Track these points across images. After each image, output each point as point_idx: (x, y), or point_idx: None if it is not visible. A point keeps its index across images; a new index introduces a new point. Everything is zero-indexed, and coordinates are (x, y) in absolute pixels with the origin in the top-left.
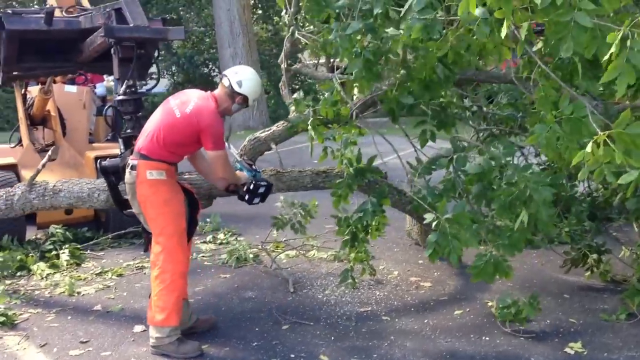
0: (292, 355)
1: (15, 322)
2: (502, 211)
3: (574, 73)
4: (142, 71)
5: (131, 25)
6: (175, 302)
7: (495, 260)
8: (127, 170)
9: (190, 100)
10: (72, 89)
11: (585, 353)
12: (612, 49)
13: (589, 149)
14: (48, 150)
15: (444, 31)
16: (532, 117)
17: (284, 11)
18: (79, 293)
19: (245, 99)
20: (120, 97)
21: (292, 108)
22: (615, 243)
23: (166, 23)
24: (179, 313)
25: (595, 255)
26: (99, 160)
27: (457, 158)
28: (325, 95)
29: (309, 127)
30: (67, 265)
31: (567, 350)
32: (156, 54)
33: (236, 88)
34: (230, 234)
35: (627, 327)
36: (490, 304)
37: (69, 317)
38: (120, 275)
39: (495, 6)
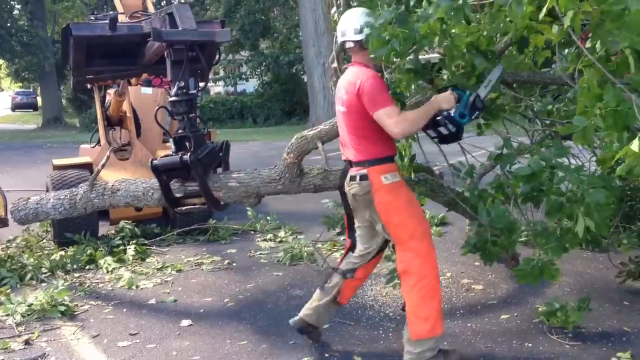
0: (327, 355)
1: (75, 312)
2: (553, 212)
3: (620, 66)
4: (202, 72)
5: (180, 28)
6: (438, 308)
7: (542, 264)
8: (352, 183)
9: (341, 87)
10: (148, 90)
11: None
12: None
13: (634, 146)
14: (125, 150)
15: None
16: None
17: (334, 9)
18: (137, 287)
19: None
20: (173, 98)
21: None
22: None
23: (225, 25)
24: (443, 320)
25: None
26: (150, 160)
27: (505, 155)
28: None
29: None
30: (132, 260)
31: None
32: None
33: (359, 37)
34: (291, 232)
35: None
36: (540, 309)
37: (124, 310)
38: (179, 270)
39: None
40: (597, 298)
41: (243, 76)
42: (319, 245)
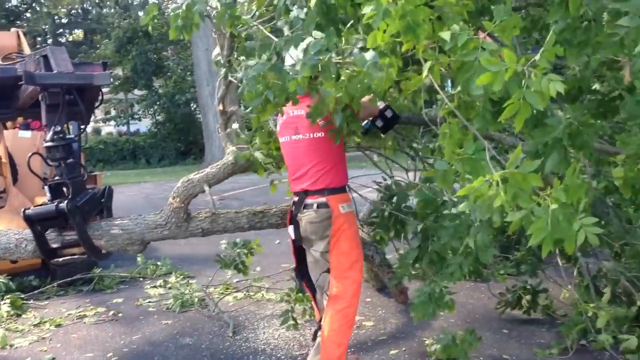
0: None
1: None
2: (448, 240)
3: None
4: (85, 116)
5: (55, 71)
6: (348, 340)
7: (436, 293)
8: (308, 211)
9: (303, 116)
10: (27, 134)
11: None
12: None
13: (476, 184)
14: (0, 197)
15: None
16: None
17: (216, 51)
18: (11, 346)
19: None
20: (48, 144)
21: (227, 150)
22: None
23: (106, 68)
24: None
25: (529, 297)
26: (23, 209)
27: (399, 195)
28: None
29: (255, 158)
30: (6, 316)
31: None
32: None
33: None
34: (182, 277)
35: None
36: (427, 342)
37: None
38: (59, 325)
39: (403, 39)
40: (479, 328)
41: (135, 115)
42: (212, 289)
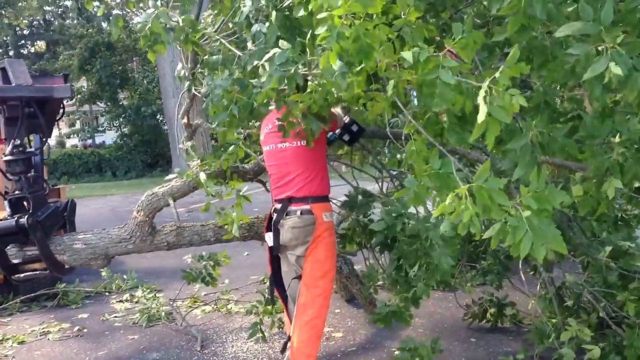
0: None
1: None
2: (404, 261)
3: (444, 129)
4: (46, 128)
5: (13, 84)
6: (317, 351)
7: (397, 309)
8: (291, 217)
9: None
10: None
11: None
12: (480, 107)
13: (448, 201)
14: None
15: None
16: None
17: (180, 67)
18: None
19: None
20: (8, 158)
21: (192, 164)
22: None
23: (67, 80)
24: None
25: (494, 309)
26: None
27: (360, 204)
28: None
29: (200, 178)
30: None
31: None
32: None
33: None
34: (149, 290)
35: None
36: (397, 352)
37: None
38: (22, 342)
39: (356, 59)
40: (447, 337)
41: (100, 128)
42: (179, 303)
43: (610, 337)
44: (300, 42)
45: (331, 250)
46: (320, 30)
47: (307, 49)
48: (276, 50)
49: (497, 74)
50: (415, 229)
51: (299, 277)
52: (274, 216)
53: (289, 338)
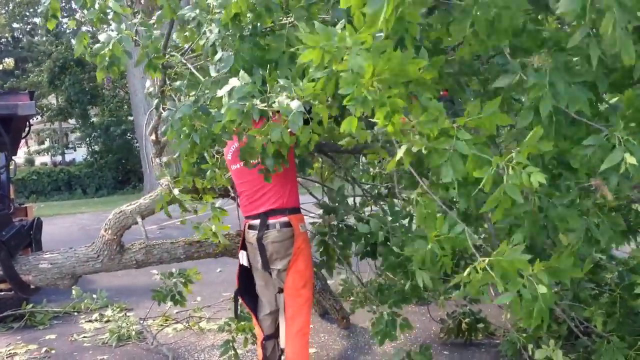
0: None
1: None
2: (391, 270)
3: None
4: (11, 146)
5: None
6: (309, 357)
7: (392, 319)
8: (270, 231)
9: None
10: None
11: None
12: (488, 181)
13: (466, 273)
14: None
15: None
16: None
17: (149, 84)
18: None
19: None
20: None
21: (161, 181)
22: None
23: (33, 97)
24: None
25: (468, 320)
26: None
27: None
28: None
29: (175, 194)
30: None
31: None
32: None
33: None
34: (119, 309)
35: None
36: None
37: None
38: None
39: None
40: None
41: (70, 145)
42: (150, 322)
43: (580, 347)
44: (261, 75)
45: (309, 260)
46: (344, 91)
47: (268, 84)
48: (235, 82)
49: (513, 154)
50: (398, 242)
51: (281, 291)
52: (250, 233)
53: (282, 351)
